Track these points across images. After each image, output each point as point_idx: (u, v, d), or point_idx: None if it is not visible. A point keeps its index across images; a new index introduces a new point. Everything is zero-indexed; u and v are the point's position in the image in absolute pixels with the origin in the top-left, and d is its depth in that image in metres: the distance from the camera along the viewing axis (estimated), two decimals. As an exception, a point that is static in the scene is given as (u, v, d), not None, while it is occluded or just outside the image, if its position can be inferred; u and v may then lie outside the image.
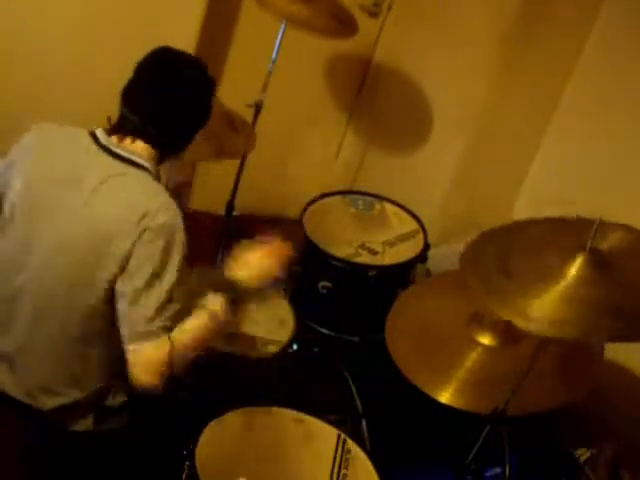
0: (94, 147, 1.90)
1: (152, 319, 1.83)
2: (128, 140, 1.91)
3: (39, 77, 2.84)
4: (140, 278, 1.82)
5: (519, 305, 1.73)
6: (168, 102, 1.91)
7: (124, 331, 1.86)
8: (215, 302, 1.91)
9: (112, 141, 1.90)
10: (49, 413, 1.95)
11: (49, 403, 1.94)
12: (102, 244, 1.83)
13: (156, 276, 1.82)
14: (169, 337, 1.84)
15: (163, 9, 2.85)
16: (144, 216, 1.82)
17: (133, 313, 1.84)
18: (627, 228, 1.88)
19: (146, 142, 1.91)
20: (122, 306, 1.85)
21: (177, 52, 1.97)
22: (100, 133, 1.92)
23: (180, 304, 1.86)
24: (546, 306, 1.73)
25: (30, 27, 2.79)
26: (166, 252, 1.83)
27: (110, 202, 1.86)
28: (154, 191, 1.89)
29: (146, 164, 1.90)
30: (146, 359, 1.84)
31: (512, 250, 1.89)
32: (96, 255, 1.83)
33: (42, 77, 2.85)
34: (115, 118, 1.93)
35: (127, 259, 1.82)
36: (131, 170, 1.88)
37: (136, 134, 1.90)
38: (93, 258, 1.84)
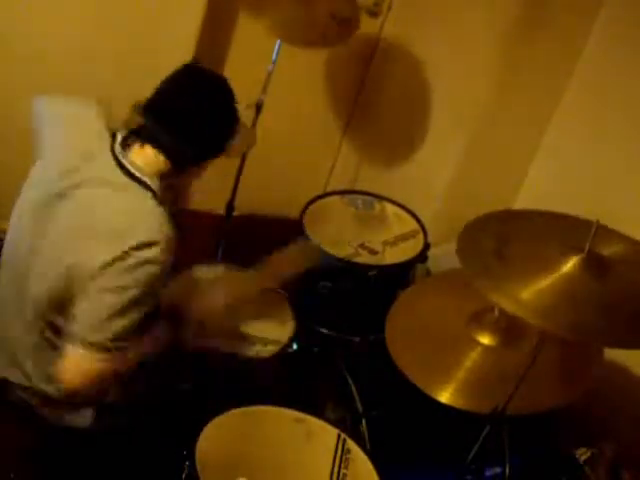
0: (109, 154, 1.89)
1: (107, 338, 1.84)
2: (137, 147, 1.88)
3: (39, 78, 2.84)
4: (110, 306, 1.82)
5: (509, 288, 1.76)
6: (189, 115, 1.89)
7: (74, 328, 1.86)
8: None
9: (123, 152, 1.89)
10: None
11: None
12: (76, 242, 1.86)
13: (129, 306, 1.83)
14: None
15: (163, 9, 2.85)
16: (129, 239, 1.80)
17: (91, 321, 1.84)
18: (632, 241, 1.92)
19: (155, 148, 1.88)
20: (83, 307, 1.85)
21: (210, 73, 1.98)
22: (118, 140, 1.91)
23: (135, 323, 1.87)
24: (535, 294, 1.75)
25: (30, 28, 2.79)
26: (146, 285, 1.82)
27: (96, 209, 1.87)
28: (151, 218, 1.86)
29: (148, 180, 1.88)
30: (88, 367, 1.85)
31: (512, 235, 1.92)
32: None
33: (42, 78, 2.84)
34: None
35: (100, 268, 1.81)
36: (133, 186, 1.87)
37: (149, 141, 1.88)
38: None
